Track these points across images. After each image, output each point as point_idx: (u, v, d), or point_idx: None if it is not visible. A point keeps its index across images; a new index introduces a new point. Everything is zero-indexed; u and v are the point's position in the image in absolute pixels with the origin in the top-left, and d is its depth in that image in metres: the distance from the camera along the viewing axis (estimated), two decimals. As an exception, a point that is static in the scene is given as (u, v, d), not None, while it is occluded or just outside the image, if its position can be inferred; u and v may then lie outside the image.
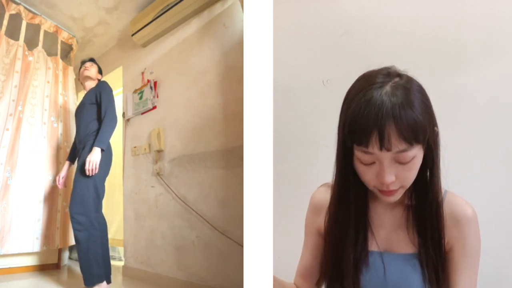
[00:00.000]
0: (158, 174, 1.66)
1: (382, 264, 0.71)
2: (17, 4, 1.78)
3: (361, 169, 0.65)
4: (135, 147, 1.85)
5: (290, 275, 0.82)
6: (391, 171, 0.61)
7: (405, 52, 1.18)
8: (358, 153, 0.63)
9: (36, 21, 1.88)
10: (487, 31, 1.15)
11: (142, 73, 1.87)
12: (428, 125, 0.62)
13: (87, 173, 1.39)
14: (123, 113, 1.96)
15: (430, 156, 0.67)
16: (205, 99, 1.47)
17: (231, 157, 1.34)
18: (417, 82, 0.66)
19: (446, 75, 1.17)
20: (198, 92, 1.51)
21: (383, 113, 0.58)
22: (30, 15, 1.85)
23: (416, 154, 0.61)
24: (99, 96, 1.51)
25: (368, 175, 0.64)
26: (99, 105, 1.51)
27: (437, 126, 0.67)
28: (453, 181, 1.18)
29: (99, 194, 1.49)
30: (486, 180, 1.15)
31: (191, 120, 1.53)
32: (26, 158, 1.73)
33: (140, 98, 1.83)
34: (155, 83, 1.77)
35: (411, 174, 0.63)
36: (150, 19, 1.68)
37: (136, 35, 1.78)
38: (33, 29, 1.88)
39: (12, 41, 1.77)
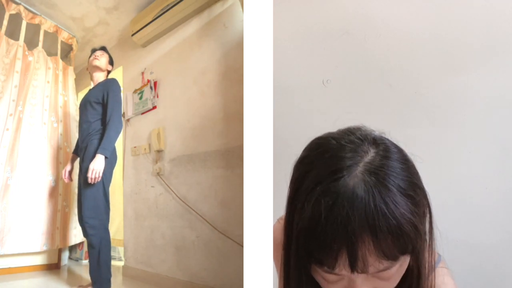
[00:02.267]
0: (158, 174, 1.66)
1: None
2: (17, 4, 1.78)
3: (324, 285, 0.48)
4: (135, 147, 1.85)
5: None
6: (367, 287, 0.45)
7: (405, 52, 1.18)
8: (320, 271, 0.46)
9: (36, 21, 1.88)
10: (487, 31, 1.15)
11: (142, 73, 1.87)
12: (421, 224, 0.45)
13: (89, 181, 1.34)
14: (123, 113, 1.96)
15: (421, 254, 0.49)
16: (205, 99, 1.47)
17: (231, 157, 1.34)
18: (400, 153, 0.48)
19: (446, 75, 1.17)
20: (198, 92, 1.51)
21: (356, 225, 0.40)
22: (30, 15, 1.85)
23: (402, 262, 0.45)
24: (106, 96, 1.44)
25: None
26: (104, 105, 1.45)
27: (429, 206, 0.49)
28: (453, 181, 1.19)
29: (107, 197, 1.48)
30: (486, 180, 1.15)
31: (191, 120, 1.53)
32: (26, 158, 1.73)
33: (140, 98, 1.83)
34: (155, 83, 1.77)
35: (392, 284, 0.47)
36: (150, 19, 1.68)
37: (136, 35, 1.78)
38: (33, 29, 1.88)
39: (12, 41, 1.77)
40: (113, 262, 1.58)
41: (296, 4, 1.27)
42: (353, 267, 0.41)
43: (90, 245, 1.41)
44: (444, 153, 1.15)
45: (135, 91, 1.87)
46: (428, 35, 1.17)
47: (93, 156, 1.41)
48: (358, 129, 0.48)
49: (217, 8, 1.48)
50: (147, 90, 1.78)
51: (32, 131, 1.78)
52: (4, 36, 1.73)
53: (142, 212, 1.76)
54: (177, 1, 1.54)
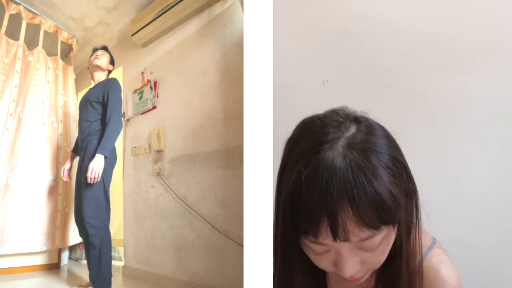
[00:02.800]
0: (158, 174, 1.66)
1: None
2: (17, 4, 1.78)
3: (313, 257, 0.50)
4: (135, 147, 1.85)
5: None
6: (354, 260, 0.46)
7: (405, 52, 1.18)
8: (306, 241, 0.47)
9: (36, 21, 1.88)
10: (487, 31, 1.15)
11: (142, 73, 1.87)
12: (401, 196, 0.46)
13: (89, 181, 1.34)
14: (123, 113, 1.96)
15: (406, 229, 0.50)
16: (205, 99, 1.47)
17: (231, 157, 1.34)
18: (382, 130, 0.50)
19: (446, 75, 1.17)
20: (198, 92, 1.51)
21: (334, 193, 0.41)
22: (30, 15, 1.85)
23: (386, 235, 0.47)
24: (107, 96, 1.43)
25: (323, 263, 0.49)
26: (104, 105, 1.45)
27: (413, 183, 0.51)
28: (453, 181, 1.19)
29: (108, 197, 1.48)
30: (486, 180, 1.15)
31: (191, 120, 1.53)
32: (26, 158, 1.73)
33: (140, 98, 1.83)
34: (155, 83, 1.77)
35: (380, 258, 0.49)
36: (150, 19, 1.68)
37: (136, 35, 1.78)
38: (33, 29, 1.88)
39: (12, 41, 1.77)
40: (113, 262, 1.58)
41: (296, 4, 1.27)
42: (334, 235, 0.43)
43: (91, 245, 1.40)
44: (444, 153, 1.15)
45: (135, 91, 1.87)
46: (428, 35, 1.17)
47: (93, 156, 1.41)
48: (342, 109, 0.51)
49: (217, 8, 1.48)
50: (147, 90, 1.78)
51: (32, 131, 1.78)
52: (4, 36, 1.72)
53: (142, 212, 1.76)
54: (177, 1, 1.54)
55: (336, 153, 0.43)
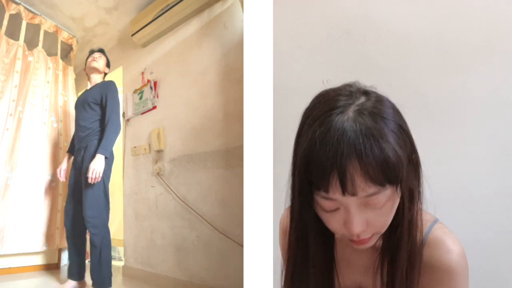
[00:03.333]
0: (158, 174, 1.66)
1: None
2: (17, 4, 1.78)
3: (324, 217, 0.54)
4: (135, 147, 1.85)
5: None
6: (361, 218, 0.50)
7: (405, 52, 1.18)
8: (318, 198, 0.51)
9: (36, 21, 1.88)
10: (487, 31, 1.15)
11: (142, 73, 1.87)
12: (404, 159, 0.50)
13: (89, 181, 1.36)
14: (123, 113, 1.96)
15: (409, 195, 0.54)
16: (205, 99, 1.47)
17: (231, 157, 1.34)
18: (389, 102, 0.55)
19: (446, 75, 1.17)
20: (198, 92, 1.51)
21: (344, 149, 0.46)
22: (30, 15, 1.85)
23: (390, 196, 0.50)
24: (105, 98, 1.45)
25: (333, 223, 0.53)
26: (103, 107, 1.46)
27: (416, 153, 0.56)
28: (453, 181, 1.18)
29: (108, 196, 1.50)
30: (486, 180, 1.15)
31: (191, 120, 1.53)
32: (26, 158, 1.73)
33: (140, 98, 1.83)
34: (155, 83, 1.77)
35: (385, 219, 0.53)
36: (150, 19, 1.68)
37: (136, 35, 1.78)
38: (33, 29, 1.88)
39: (12, 41, 1.77)
40: (113, 262, 1.58)
41: (296, 4, 1.27)
42: (343, 188, 0.47)
43: (91, 244, 1.42)
44: (444, 153, 1.15)
45: (135, 91, 1.87)
46: (428, 35, 1.17)
47: (93, 156, 1.43)
48: (353, 83, 0.57)
49: (217, 8, 1.48)
50: (147, 90, 1.78)
51: (32, 131, 1.78)
52: (4, 36, 1.73)
53: (142, 212, 1.76)
54: (177, 1, 1.54)
55: (347, 116, 0.48)
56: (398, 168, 0.48)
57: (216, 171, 1.40)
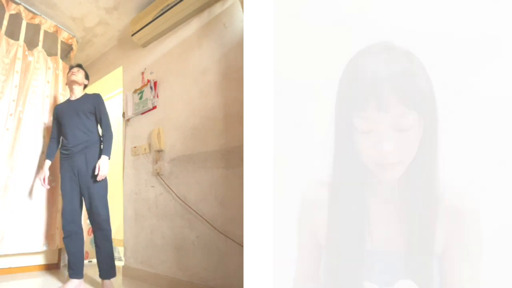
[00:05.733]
0: (158, 174, 1.66)
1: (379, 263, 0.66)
2: (17, 4, 1.78)
3: (359, 140, 0.62)
4: (135, 147, 1.85)
5: (290, 275, 0.82)
6: (390, 138, 0.59)
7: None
8: (355, 120, 0.61)
9: (36, 21, 1.88)
10: (488, 31, 1.15)
11: (142, 73, 1.87)
12: (428, 91, 0.63)
13: (99, 178, 1.48)
14: (123, 113, 1.96)
15: (429, 133, 0.66)
16: (205, 99, 1.47)
17: (231, 157, 1.34)
18: (414, 55, 0.67)
19: (446, 75, 1.17)
20: (198, 92, 1.51)
21: (381, 73, 0.58)
22: (30, 15, 1.85)
23: (415, 123, 0.61)
24: (98, 109, 1.59)
25: (366, 146, 0.61)
26: (96, 116, 1.59)
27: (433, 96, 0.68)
28: (453, 181, 1.18)
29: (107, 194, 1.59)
30: (486, 180, 1.15)
31: (191, 120, 1.53)
32: (26, 158, 1.73)
33: (140, 98, 1.83)
34: (155, 83, 1.77)
35: (410, 147, 0.62)
36: (150, 19, 1.68)
37: (136, 35, 1.78)
38: (33, 29, 1.88)
39: (12, 41, 1.77)
40: (113, 262, 1.58)
41: (296, 4, 1.27)
42: (378, 105, 0.58)
43: (106, 239, 1.49)
44: (444, 153, 1.15)
45: (135, 91, 1.87)
46: (428, 35, 1.17)
47: (96, 158, 1.50)
48: (388, 41, 0.69)
49: (217, 8, 1.48)
50: (147, 90, 1.78)
51: (32, 131, 1.78)
52: (4, 36, 1.73)
53: (142, 212, 1.76)
54: (177, 1, 1.54)
55: (384, 55, 0.61)
56: (424, 96, 0.63)
57: (216, 171, 1.40)
